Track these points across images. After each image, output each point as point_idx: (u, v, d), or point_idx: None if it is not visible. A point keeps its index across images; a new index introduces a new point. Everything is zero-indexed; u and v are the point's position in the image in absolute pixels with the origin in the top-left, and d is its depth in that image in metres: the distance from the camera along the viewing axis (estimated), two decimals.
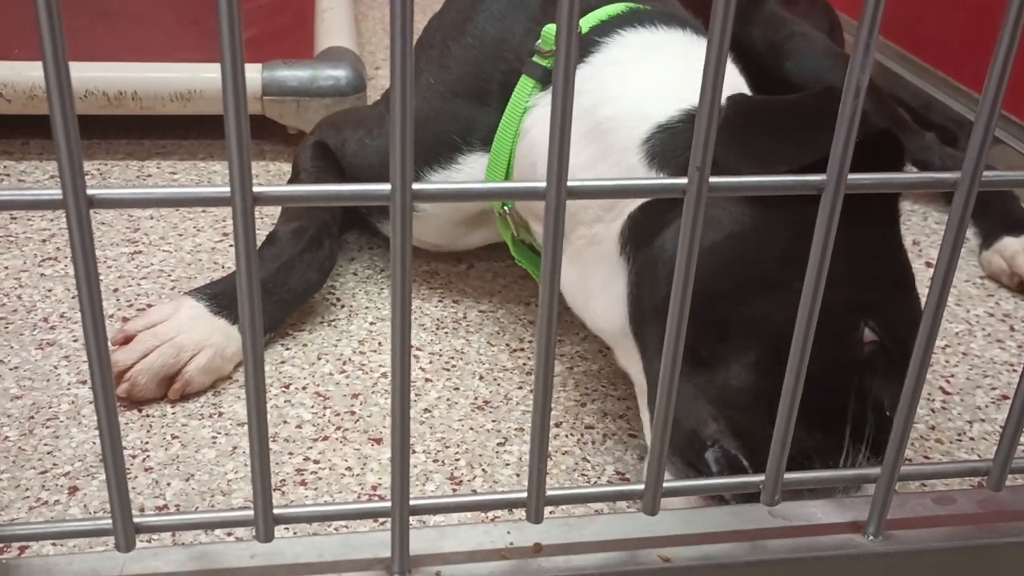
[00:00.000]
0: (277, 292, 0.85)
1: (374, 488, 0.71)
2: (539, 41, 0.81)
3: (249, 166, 0.34)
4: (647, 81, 0.75)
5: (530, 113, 0.79)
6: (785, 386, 0.43)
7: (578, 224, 0.74)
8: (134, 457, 0.72)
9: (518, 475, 0.73)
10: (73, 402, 0.77)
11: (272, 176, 1.19)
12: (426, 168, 0.87)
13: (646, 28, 0.78)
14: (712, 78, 0.35)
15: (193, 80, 1.15)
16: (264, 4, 1.44)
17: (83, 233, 0.34)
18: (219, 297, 0.82)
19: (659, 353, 0.60)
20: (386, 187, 0.35)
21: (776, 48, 1.17)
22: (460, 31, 0.89)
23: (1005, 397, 0.84)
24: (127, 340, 0.79)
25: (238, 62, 0.32)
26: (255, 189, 0.34)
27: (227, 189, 0.34)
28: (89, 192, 0.34)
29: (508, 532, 0.46)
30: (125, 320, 0.81)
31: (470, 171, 0.86)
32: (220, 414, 0.77)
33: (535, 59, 0.81)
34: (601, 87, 0.75)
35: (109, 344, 0.79)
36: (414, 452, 0.75)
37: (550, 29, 0.80)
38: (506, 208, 0.84)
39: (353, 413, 0.78)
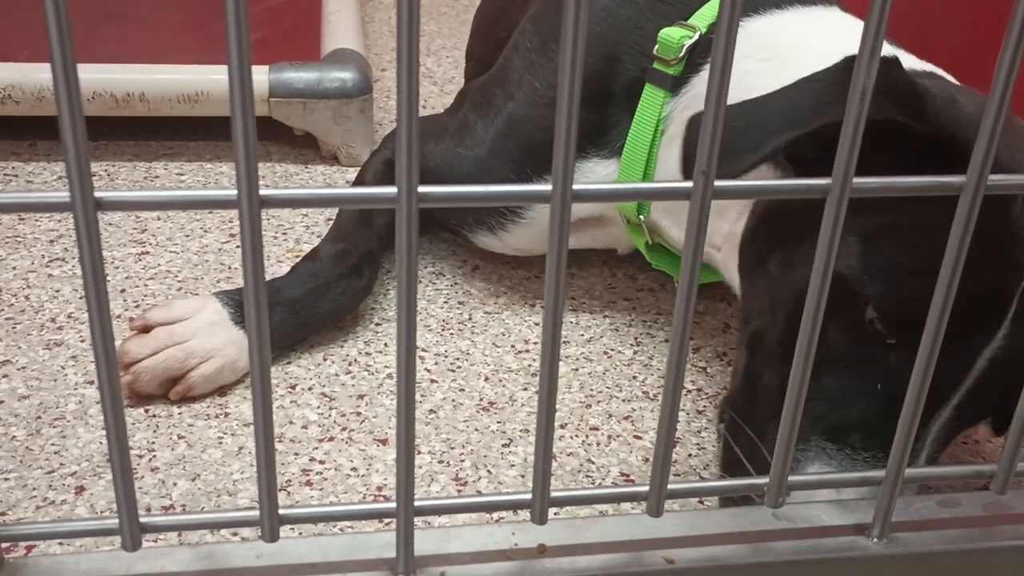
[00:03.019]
0: (303, 313, 0.84)
1: (379, 489, 0.71)
2: (656, 48, 0.81)
3: (256, 168, 0.34)
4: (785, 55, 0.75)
5: (672, 124, 0.80)
6: (790, 387, 0.43)
7: (722, 222, 0.75)
8: (140, 457, 0.72)
9: (523, 476, 0.73)
10: (80, 402, 0.78)
11: (279, 178, 1.19)
12: (537, 178, 0.86)
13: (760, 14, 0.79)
14: (718, 79, 0.35)
15: (200, 82, 1.15)
16: (271, 6, 1.44)
17: (91, 236, 0.34)
18: (244, 307, 0.82)
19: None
20: (392, 190, 0.35)
21: None
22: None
23: None
24: (145, 329, 0.79)
25: (245, 64, 0.32)
26: (262, 192, 0.35)
27: (234, 191, 0.34)
28: (97, 195, 0.34)
29: (513, 533, 0.46)
30: (132, 320, 0.81)
31: (591, 178, 0.85)
32: (226, 414, 0.77)
33: (658, 66, 0.81)
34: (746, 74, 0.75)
35: (126, 330, 0.80)
36: (419, 453, 0.75)
37: (668, 34, 0.80)
38: (641, 217, 0.84)
39: (359, 414, 0.79)
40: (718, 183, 0.37)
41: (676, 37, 0.80)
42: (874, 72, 0.36)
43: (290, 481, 0.71)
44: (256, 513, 0.41)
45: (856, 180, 0.39)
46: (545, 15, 0.92)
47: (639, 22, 0.83)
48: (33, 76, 1.13)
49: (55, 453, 0.72)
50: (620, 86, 0.83)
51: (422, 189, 0.35)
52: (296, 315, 0.84)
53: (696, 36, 0.79)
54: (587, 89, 0.84)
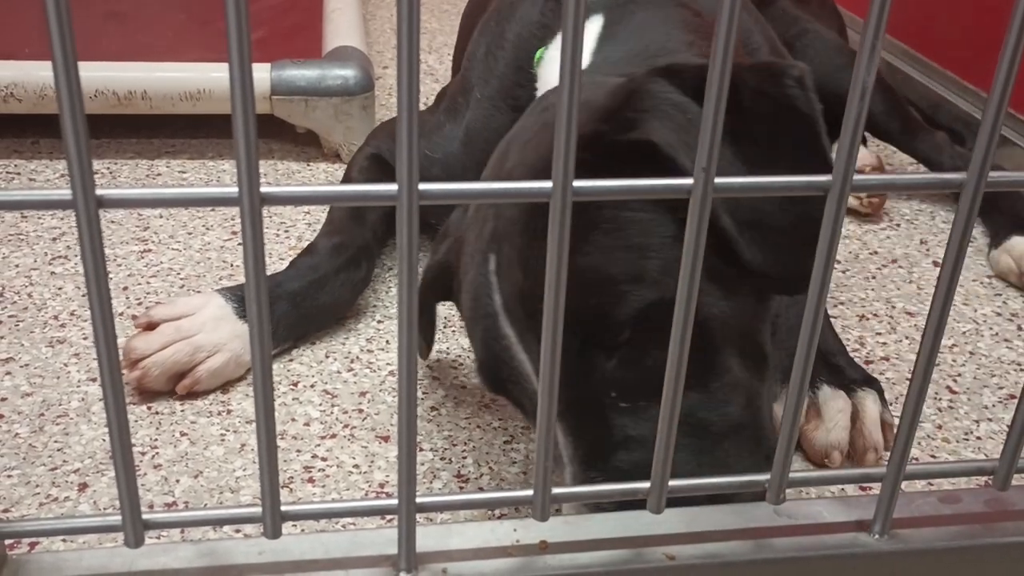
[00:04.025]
0: (304, 306, 0.85)
1: (381, 486, 0.71)
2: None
3: (257, 166, 0.34)
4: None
5: None
6: (790, 393, 0.43)
7: None
8: (143, 454, 0.72)
9: (524, 473, 0.73)
10: (83, 399, 0.78)
11: (280, 175, 1.19)
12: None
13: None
14: (719, 76, 0.35)
15: (202, 80, 1.15)
16: (273, 4, 1.45)
17: (93, 233, 0.34)
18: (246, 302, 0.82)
19: None
20: (393, 187, 0.35)
21: (788, 45, 1.17)
22: (496, 44, 0.88)
23: (1012, 396, 0.84)
24: (150, 326, 0.79)
25: (246, 62, 0.32)
26: (263, 189, 0.35)
27: (235, 189, 0.35)
28: (99, 192, 0.34)
29: (514, 530, 0.46)
30: (135, 318, 0.81)
31: None
32: (228, 412, 0.77)
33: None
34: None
35: (129, 328, 0.80)
36: (421, 450, 0.75)
37: (538, 55, 0.81)
38: None
39: (360, 411, 0.79)
40: (718, 180, 0.37)
41: (537, 57, 0.81)
42: (873, 70, 0.36)
43: (292, 478, 0.71)
44: (258, 510, 0.41)
45: (857, 177, 0.39)
46: (489, 21, 0.92)
47: (539, 35, 0.83)
48: (35, 74, 1.13)
49: (58, 450, 0.72)
50: (526, 97, 0.83)
51: (422, 186, 0.36)
52: (298, 307, 0.84)
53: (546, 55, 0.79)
54: (513, 95, 0.84)
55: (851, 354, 0.87)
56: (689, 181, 0.37)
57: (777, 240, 0.55)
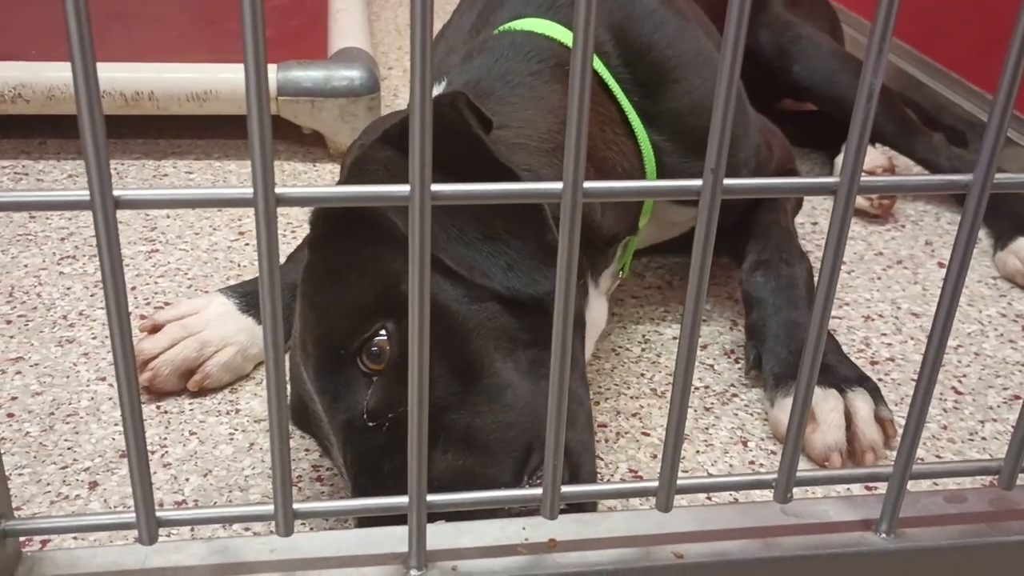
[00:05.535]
0: None
1: None
2: None
3: (272, 167, 0.34)
4: None
5: None
6: (794, 406, 0.43)
7: None
8: (153, 453, 0.73)
9: None
10: (92, 398, 0.78)
11: (287, 176, 1.20)
12: None
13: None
14: (727, 79, 0.36)
15: (209, 80, 1.16)
16: (278, 5, 1.45)
17: (110, 233, 0.35)
18: (249, 296, 0.83)
19: None
20: (405, 188, 0.36)
21: (783, 51, 1.18)
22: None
23: (1017, 397, 0.84)
24: (155, 329, 0.80)
25: (261, 64, 0.33)
26: (278, 190, 0.35)
27: (250, 190, 0.35)
28: (115, 193, 0.34)
29: (524, 528, 0.46)
30: (143, 318, 0.82)
31: None
32: (237, 411, 0.78)
33: None
34: None
35: (136, 332, 0.81)
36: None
37: None
38: None
39: None
40: (727, 181, 0.38)
41: None
42: (880, 72, 0.37)
43: (301, 477, 0.71)
44: (270, 508, 0.41)
45: (864, 180, 0.39)
46: (438, 37, 0.93)
47: (445, 66, 0.83)
48: (43, 75, 1.14)
49: (68, 449, 0.73)
50: None
51: (435, 187, 0.36)
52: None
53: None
54: None
55: (856, 355, 0.87)
56: (698, 183, 0.38)
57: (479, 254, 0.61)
